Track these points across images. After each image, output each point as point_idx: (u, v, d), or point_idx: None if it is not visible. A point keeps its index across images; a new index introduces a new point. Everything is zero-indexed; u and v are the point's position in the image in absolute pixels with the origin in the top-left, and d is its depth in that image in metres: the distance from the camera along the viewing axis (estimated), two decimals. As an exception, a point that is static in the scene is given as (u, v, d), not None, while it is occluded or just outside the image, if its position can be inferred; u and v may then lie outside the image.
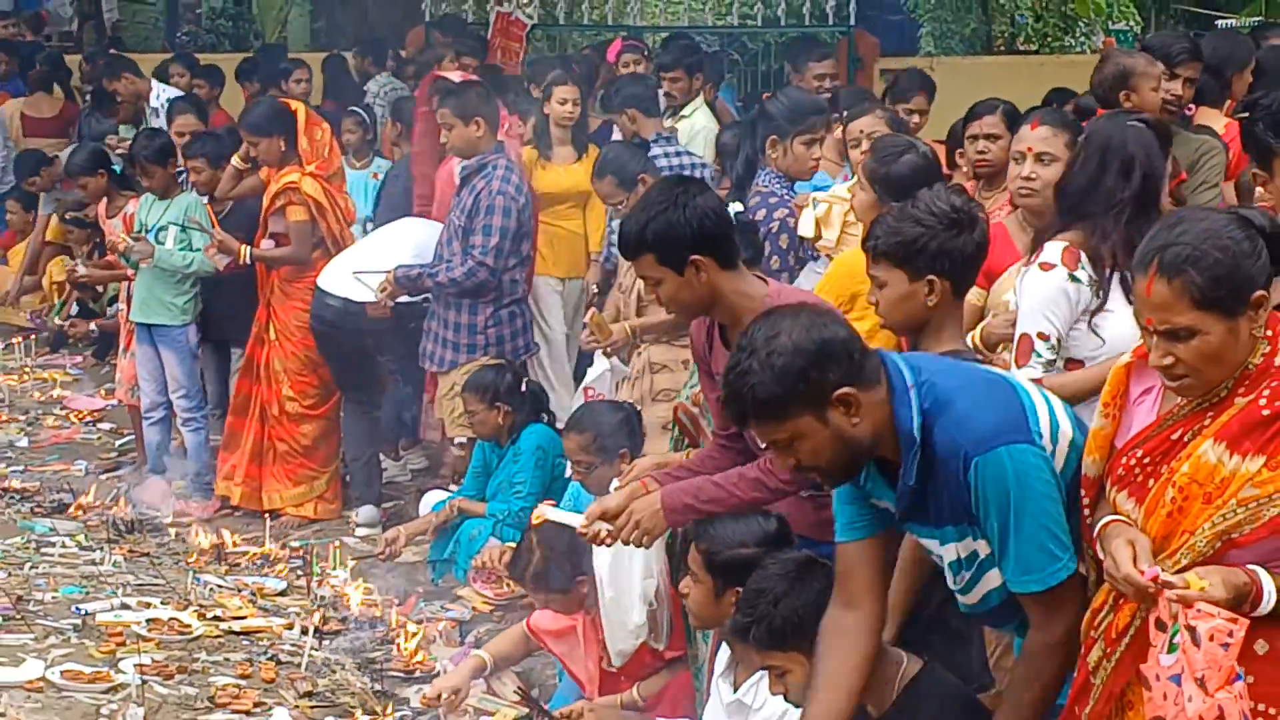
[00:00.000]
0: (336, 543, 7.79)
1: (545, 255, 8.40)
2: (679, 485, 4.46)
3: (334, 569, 7.41)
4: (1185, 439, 3.05)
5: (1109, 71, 6.07)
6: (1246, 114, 5.85)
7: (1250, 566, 2.94)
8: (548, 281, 8.53)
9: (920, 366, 3.39)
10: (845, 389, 3.24)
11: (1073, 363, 4.38)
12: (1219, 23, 22.74)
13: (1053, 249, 4.42)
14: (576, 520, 4.75)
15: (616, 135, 8.54)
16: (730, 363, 3.33)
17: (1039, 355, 4.35)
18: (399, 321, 7.86)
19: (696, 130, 8.86)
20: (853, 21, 13.67)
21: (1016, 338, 4.42)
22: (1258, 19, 17.23)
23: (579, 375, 8.04)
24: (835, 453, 3.31)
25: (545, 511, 5.32)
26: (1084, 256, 4.38)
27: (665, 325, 6.45)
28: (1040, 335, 4.36)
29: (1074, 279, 4.36)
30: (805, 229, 6.15)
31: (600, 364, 6.88)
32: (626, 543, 4.48)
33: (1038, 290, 4.39)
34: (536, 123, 8.69)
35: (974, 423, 3.28)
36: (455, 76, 8.67)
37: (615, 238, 7.78)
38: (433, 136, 8.81)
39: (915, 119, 7.44)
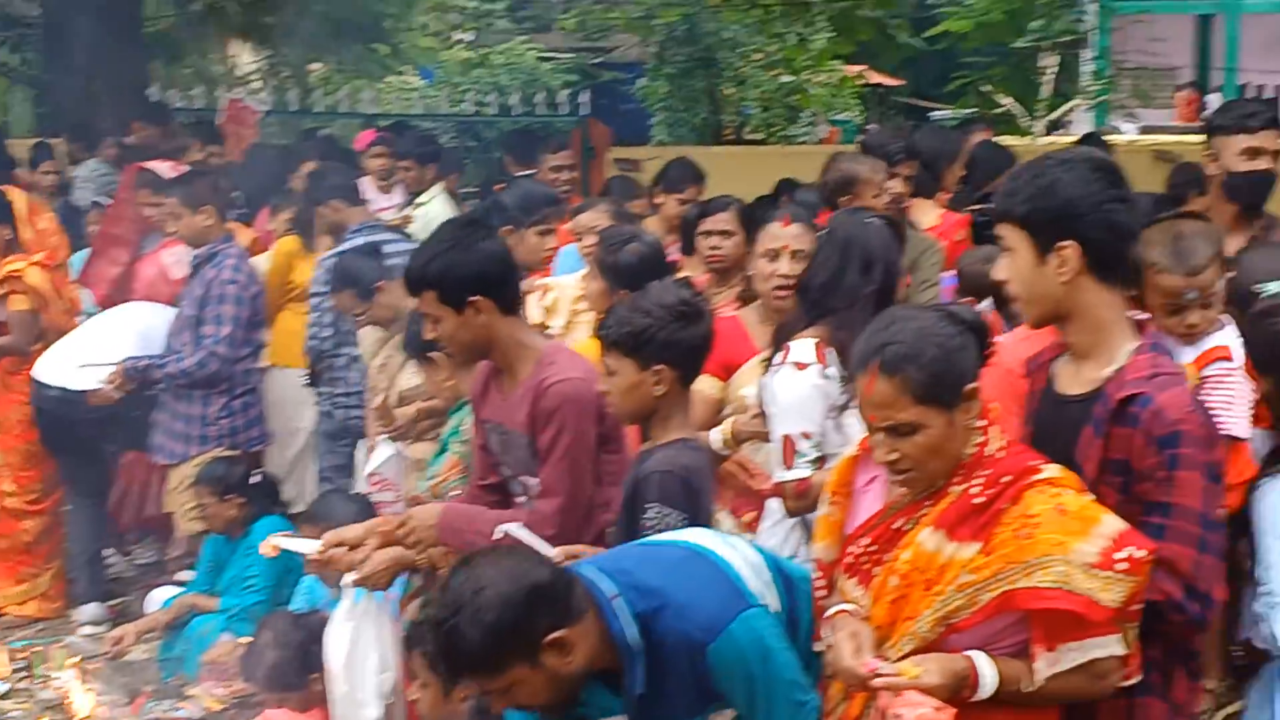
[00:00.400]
0: (60, 642, 7.51)
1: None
2: (459, 507, 4.50)
3: (57, 670, 7.13)
4: (906, 528, 3.14)
5: (833, 177, 6.26)
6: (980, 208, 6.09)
7: (968, 652, 3.02)
8: (299, 373, 8.31)
9: (618, 570, 3.35)
10: (556, 634, 3.19)
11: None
12: (933, 114, 23.69)
13: (803, 347, 4.46)
14: (312, 546, 4.69)
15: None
16: (437, 616, 3.25)
17: (803, 455, 4.37)
18: (123, 410, 7.64)
19: (433, 218, 8.84)
20: (586, 112, 13.81)
21: (779, 439, 4.42)
22: (971, 110, 18.00)
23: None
24: (553, 692, 3.27)
25: (278, 540, 5.21)
26: (832, 352, 4.43)
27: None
28: (804, 434, 4.37)
29: (826, 376, 4.41)
30: (531, 315, 6.18)
31: (385, 449, 6.77)
32: (407, 547, 4.47)
33: (793, 389, 4.42)
34: (300, 212, 8.52)
35: (695, 611, 3.27)
36: (164, 168, 8.51)
37: (315, 330, 7.66)
38: (130, 224, 8.62)
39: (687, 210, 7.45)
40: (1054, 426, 3.26)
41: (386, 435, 6.66)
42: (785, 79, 21.12)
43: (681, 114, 20.99)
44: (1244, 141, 5.26)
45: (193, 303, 7.45)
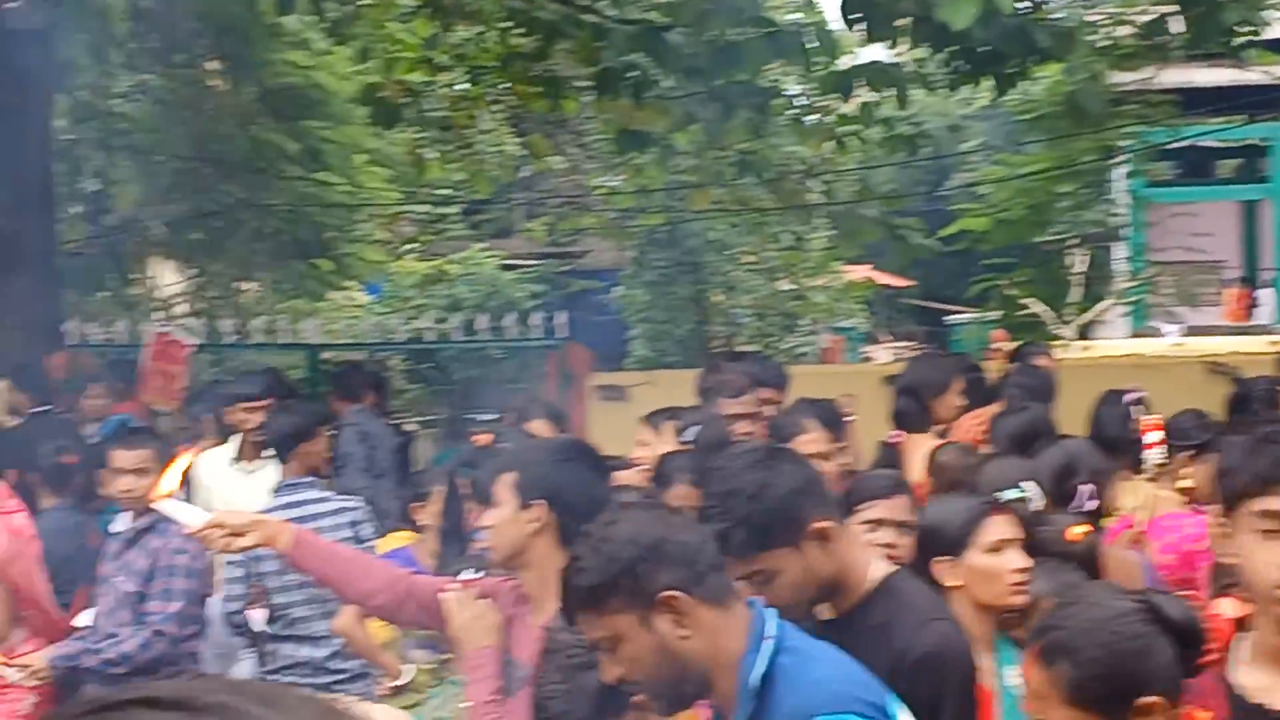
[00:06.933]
0: None
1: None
2: (316, 537, 5.02)
3: None
4: None
5: None
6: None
7: None
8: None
9: (796, 634, 3.45)
10: (672, 592, 3.30)
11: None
12: (950, 318, 24.03)
13: None
14: (193, 518, 4.94)
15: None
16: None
17: None
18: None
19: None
20: (564, 334, 13.83)
21: None
22: (998, 314, 18.28)
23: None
24: (658, 665, 3.33)
25: (165, 504, 5.30)
26: None
27: None
28: None
29: None
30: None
31: None
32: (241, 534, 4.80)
33: None
34: None
35: (827, 685, 3.32)
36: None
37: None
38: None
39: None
40: None
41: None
42: (781, 284, 21.44)
43: (663, 325, 21.22)
44: None
45: (133, 577, 7.50)
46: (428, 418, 18.74)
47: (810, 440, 6.35)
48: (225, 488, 9.19)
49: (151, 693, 1.09)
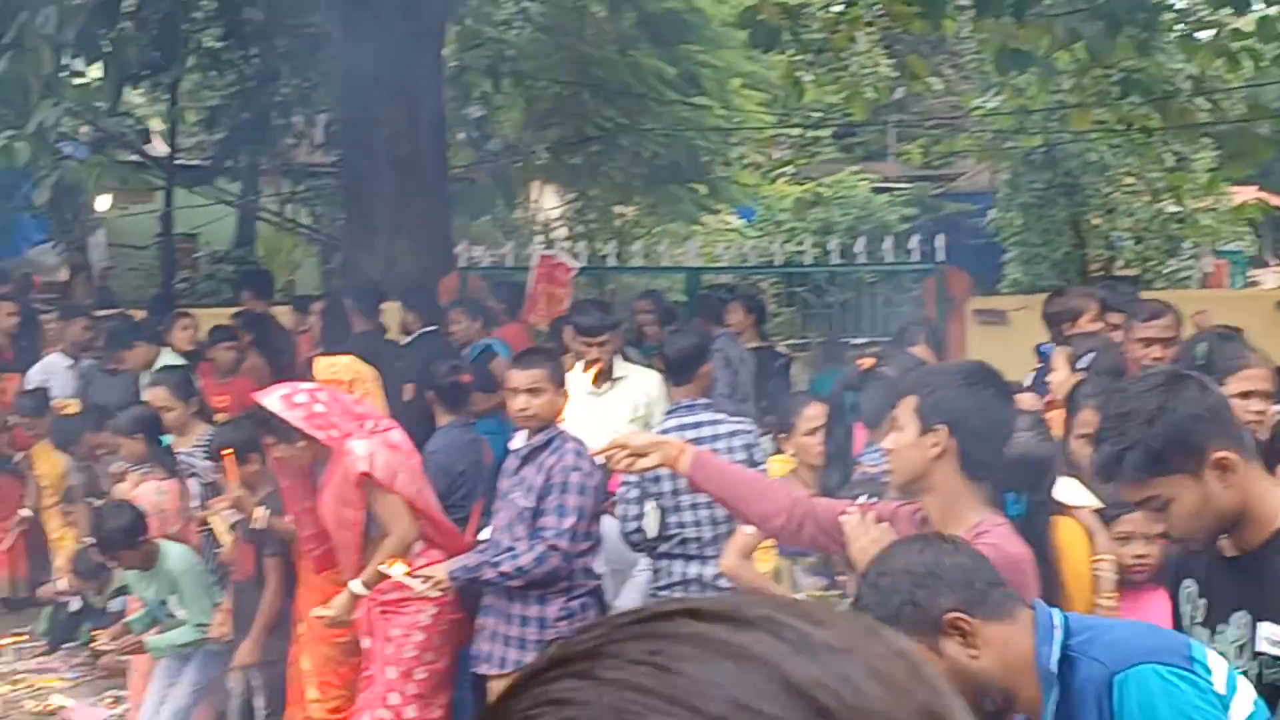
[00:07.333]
0: None
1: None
2: (715, 457, 5.15)
3: None
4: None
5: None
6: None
7: None
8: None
9: (1084, 619, 3.51)
10: (956, 614, 3.36)
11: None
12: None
13: None
14: (599, 448, 5.15)
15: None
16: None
17: None
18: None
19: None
20: (941, 258, 13.66)
21: None
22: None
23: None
24: (955, 689, 3.32)
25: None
26: None
27: None
28: None
29: None
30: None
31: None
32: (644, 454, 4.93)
33: None
34: None
35: (1122, 645, 3.34)
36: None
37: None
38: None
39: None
40: None
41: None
42: (1163, 206, 20.90)
43: (1039, 249, 20.90)
44: None
45: (528, 492, 7.72)
46: (800, 341, 18.80)
47: (1254, 376, 6.03)
48: (576, 410, 9.40)
49: (697, 604, 1.15)
